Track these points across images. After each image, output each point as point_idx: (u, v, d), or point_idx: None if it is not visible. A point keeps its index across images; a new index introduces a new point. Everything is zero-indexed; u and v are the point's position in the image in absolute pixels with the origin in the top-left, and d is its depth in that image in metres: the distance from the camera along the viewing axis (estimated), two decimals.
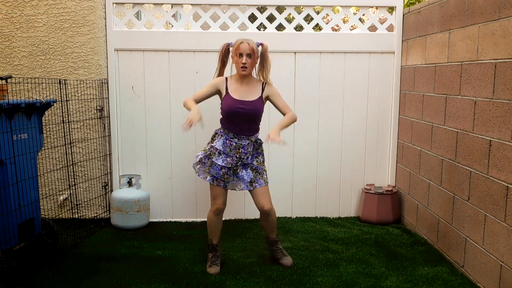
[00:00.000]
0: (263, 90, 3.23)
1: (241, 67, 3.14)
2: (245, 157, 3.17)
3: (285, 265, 3.26)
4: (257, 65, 3.27)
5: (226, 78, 3.26)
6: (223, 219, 3.40)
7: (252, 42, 3.16)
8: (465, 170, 3.16)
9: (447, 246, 3.45)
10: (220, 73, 3.33)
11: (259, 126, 3.31)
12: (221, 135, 3.21)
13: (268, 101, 3.29)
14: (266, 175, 3.27)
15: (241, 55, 3.12)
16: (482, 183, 2.95)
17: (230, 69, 3.37)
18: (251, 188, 3.20)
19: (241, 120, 3.16)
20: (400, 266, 3.32)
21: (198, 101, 3.23)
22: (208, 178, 3.18)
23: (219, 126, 3.32)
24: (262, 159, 3.29)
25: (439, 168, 3.54)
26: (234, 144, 3.16)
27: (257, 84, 3.24)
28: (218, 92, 3.28)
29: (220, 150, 3.16)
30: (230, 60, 3.33)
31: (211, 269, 3.20)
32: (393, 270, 3.25)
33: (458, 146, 3.27)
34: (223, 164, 3.14)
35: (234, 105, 3.14)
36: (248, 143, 3.18)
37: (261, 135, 3.31)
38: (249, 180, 3.19)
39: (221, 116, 3.27)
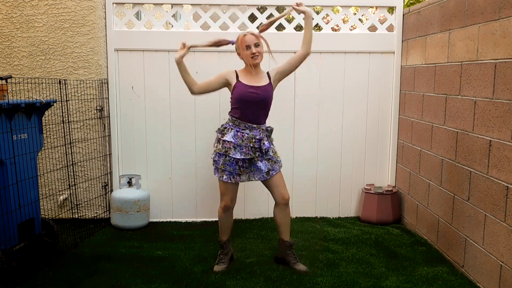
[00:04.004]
0: (269, 77, 3.25)
1: (252, 57, 3.14)
2: (260, 146, 3.14)
3: (301, 270, 3.20)
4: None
5: (235, 70, 3.26)
6: None
7: (254, 32, 3.21)
8: (465, 170, 3.16)
9: (447, 246, 3.45)
10: (202, 45, 3.27)
11: (267, 115, 3.28)
12: (231, 128, 3.16)
13: (282, 80, 3.32)
14: (280, 160, 3.27)
15: (248, 47, 3.13)
16: (482, 183, 2.95)
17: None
18: (268, 178, 3.19)
19: (254, 106, 3.14)
20: (400, 266, 3.31)
21: (202, 88, 3.23)
22: (224, 177, 3.15)
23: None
24: (275, 149, 3.29)
25: (439, 168, 3.54)
26: (246, 135, 3.12)
27: (263, 73, 3.27)
28: (226, 83, 3.24)
29: (233, 143, 3.12)
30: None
31: (216, 267, 3.23)
32: (393, 270, 3.25)
33: (458, 146, 3.26)
34: (242, 157, 3.11)
35: (246, 90, 3.13)
36: (259, 132, 3.16)
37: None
38: (266, 171, 3.18)
39: (230, 109, 3.23)
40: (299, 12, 3.26)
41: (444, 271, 3.23)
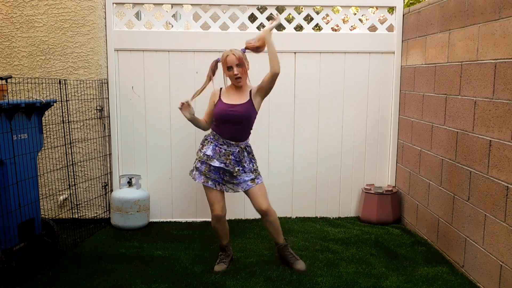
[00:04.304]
0: (251, 94, 3.23)
1: (235, 79, 3.16)
2: (236, 165, 3.18)
3: (300, 270, 3.21)
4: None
5: (221, 88, 3.29)
6: None
7: (237, 51, 3.16)
8: (465, 170, 3.16)
9: (447, 246, 3.45)
10: (204, 87, 3.29)
11: (250, 132, 3.29)
12: (211, 142, 3.21)
13: (263, 97, 3.26)
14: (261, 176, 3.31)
15: (230, 67, 3.14)
16: (482, 183, 2.95)
17: (224, 81, 3.34)
18: (253, 185, 3.20)
19: (233, 124, 3.16)
20: (400, 266, 3.32)
21: (210, 121, 3.32)
22: (210, 183, 3.19)
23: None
24: (256, 165, 3.31)
25: (439, 168, 3.54)
26: (224, 151, 3.17)
27: (248, 89, 3.26)
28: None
29: (210, 156, 3.17)
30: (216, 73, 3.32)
31: (217, 266, 3.24)
32: (393, 270, 3.25)
33: (458, 146, 3.27)
34: (221, 166, 3.14)
35: (225, 108, 3.16)
36: (238, 150, 3.19)
37: (250, 141, 3.33)
38: (250, 179, 3.21)
39: (214, 123, 3.26)
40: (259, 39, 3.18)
41: (444, 271, 3.24)
